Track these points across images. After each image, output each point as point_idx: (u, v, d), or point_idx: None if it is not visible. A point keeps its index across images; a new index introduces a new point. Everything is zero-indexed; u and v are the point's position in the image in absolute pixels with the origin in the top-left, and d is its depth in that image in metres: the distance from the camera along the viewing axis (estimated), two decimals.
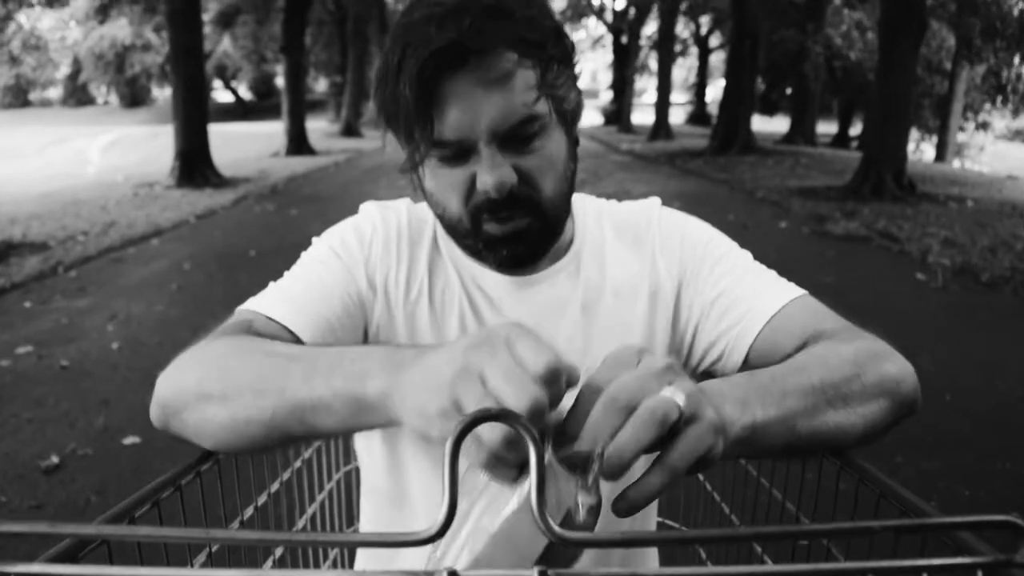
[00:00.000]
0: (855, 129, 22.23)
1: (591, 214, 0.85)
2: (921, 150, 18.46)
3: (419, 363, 0.48)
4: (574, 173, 0.75)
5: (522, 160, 0.68)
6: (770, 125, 24.19)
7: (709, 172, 12.49)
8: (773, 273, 0.79)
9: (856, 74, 18.84)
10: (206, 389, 0.59)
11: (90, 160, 16.61)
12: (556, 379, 0.43)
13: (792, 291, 0.75)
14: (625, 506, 0.44)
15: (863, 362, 0.62)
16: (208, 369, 0.60)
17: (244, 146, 17.28)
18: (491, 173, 0.66)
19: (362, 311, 0.77)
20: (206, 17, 20.64)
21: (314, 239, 0.81)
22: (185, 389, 0.60)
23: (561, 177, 0.72)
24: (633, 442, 0.42)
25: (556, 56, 0.68)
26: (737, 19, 15.52)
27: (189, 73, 10.70)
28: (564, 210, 0.75)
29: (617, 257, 0.81)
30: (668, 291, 0.80)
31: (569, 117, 0.73)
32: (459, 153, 0.68)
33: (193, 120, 10.82)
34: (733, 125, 15.74)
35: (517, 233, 0.71)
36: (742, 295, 0.75)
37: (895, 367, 0.63)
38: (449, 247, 0.80)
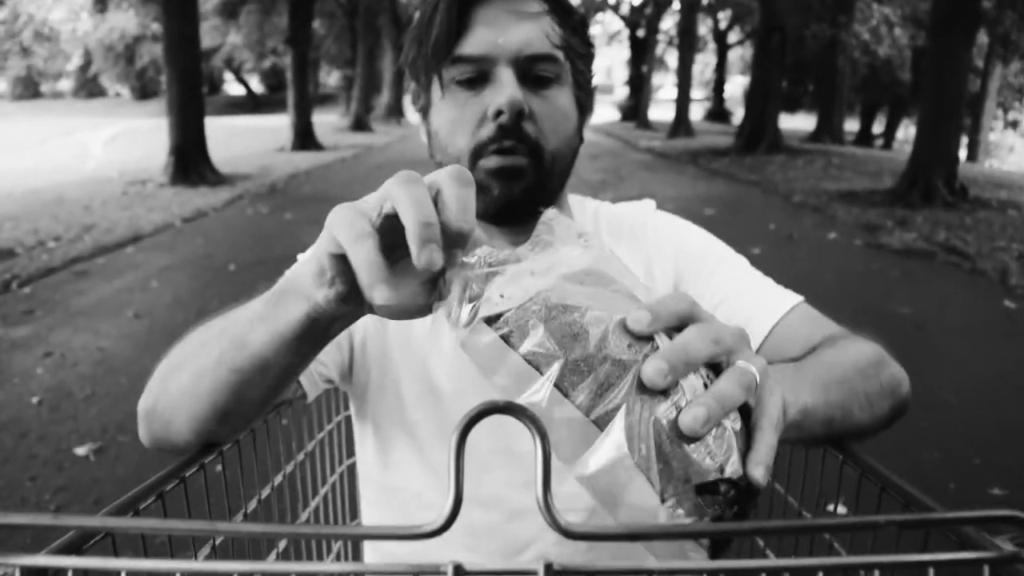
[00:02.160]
0: (878, 127, 21.51)
1: (588, 215, 0.85)
2: None
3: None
4: (576, 149, 0.76)
5: (534, 100, 0.69)
6: (792, 123, 23.33)
7: (737, 173, 11.71)
8: (770, 280, 0.79)
9: (883, 71, 18.05)
10: (167, 369, 0.62)
11: (91, 154, 16.16)
12: (413, 180, 0.42)
13: (791, 298, 0.76)
14: (762, 473, 0.40)
15: (878, 364, 0.66)
16: (168, 358, 0.64)
17: (251, 141, 16.71)
18: (506, 91, 0.67)
19: (346, 341, 0.78)
20: (209, 6, 20.10)
21: (299, 256, 0.76)
22: (154, 387, 0.63)
23: (565, 138, 0.72)
24: (729, 395, 0.39)
25: (579, 32, 0.73)
26: (765, 11, 14.70)
27: (185, 64, 10.07)
28: (561, 173, 0.74)
29: None
30: (663, 292, 0.76)
31: (583, 94, 0.75)
32: (477, 76, 0.69)
33: (189, 113, 10.18)
34: (759, 123, 14.94)
35: (514, 169, 0.69)
36: (744, 302, 0.75)
37: (897, 370, 0.68)
38: None
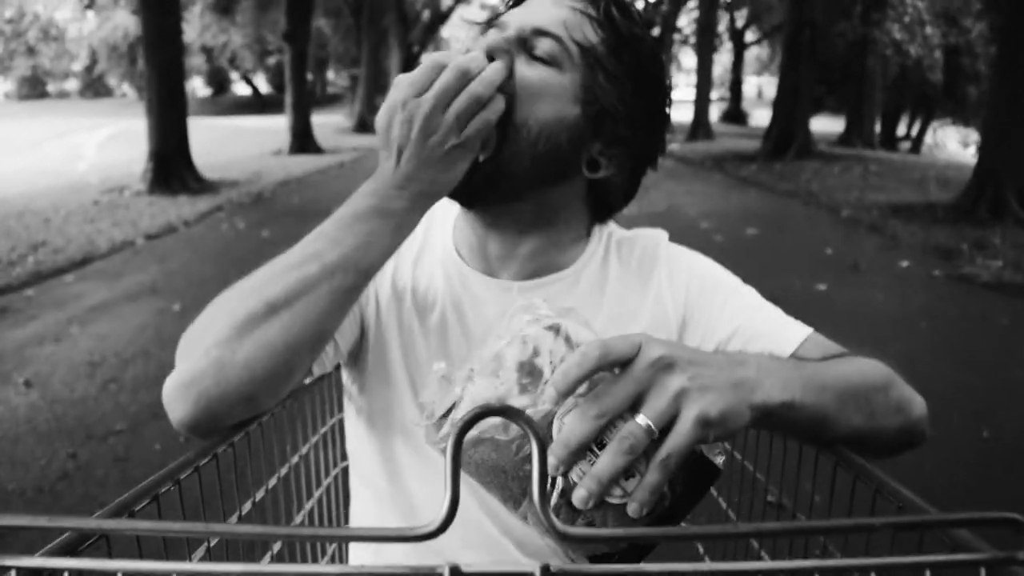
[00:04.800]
0: (901, 129, 20.50)
1: (604, 237, 0.84)
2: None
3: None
4: (563, 155, 0.71)
5: (524, 65, 0.68)
6: (815, 124, 22.25)
7: (768, 181, 10.70)
8: (780, 310, 0.79)
9: (913, 72, 17.01)
10: (244, 317, 0.60)
11: (84, 156, 15.45)
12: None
13: (804, 329, 0.76)
14: (637, 507, 0.48)
15: (888, 379, 0.66)
16: (232, 309, 0.61)
17: (250, 142, 15.95)
18: (487, 38, 0.69)
19: (359, 305, 0.79)
20: (204, 4, 19.30)
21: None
22: (216, 344, 0.60)
23: (540, 120, 0.69)
24: (608, 470, 0.47)
25: (621, 56, 0.71)
26: (795, 4, 13.67)
27: (164, 61, 9.17)
28: (527, 159, 0.69)
29: (618, 284, 0.81)
30: (672, 326, 0.79)
31: (596, 114, 0.71)
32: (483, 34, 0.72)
33: (169, 115, 9.29)
34: (788, 126, 13.92)
35: None
36: (758, 332, 0.75)
37: (910, 391, 0.67)
38: (444, 242, 0.82)
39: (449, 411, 0.51)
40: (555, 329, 0.51)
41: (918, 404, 0.67)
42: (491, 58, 0.66)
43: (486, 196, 0.71)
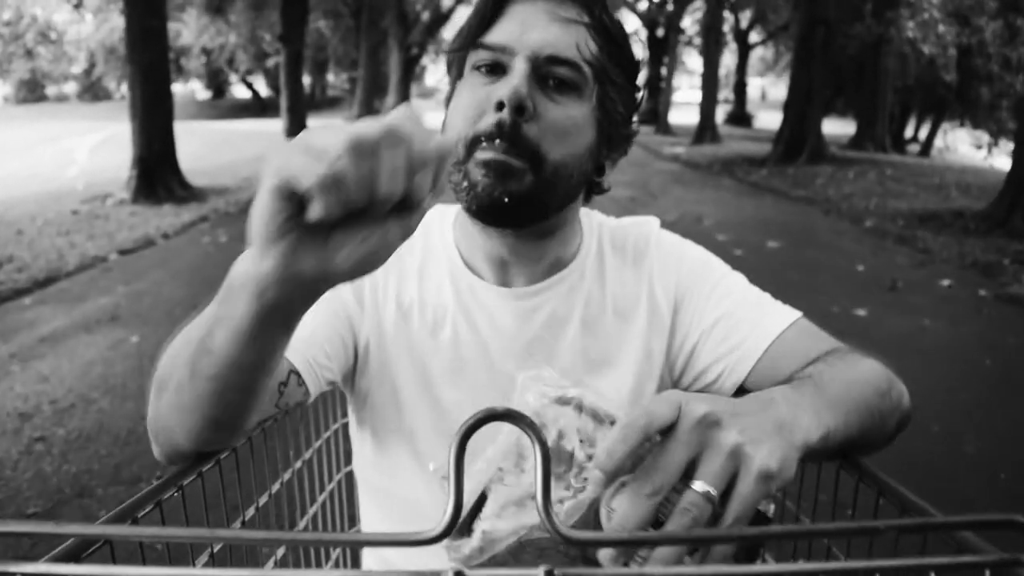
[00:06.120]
0: (908, 130, 20.11)
1: (594, 229, 0.85)
2: (992, 155, 16.06)
3: None
4: (587, 173, 0.74)
5: (544, 102, 0.67)
6: (823, 127, 21.80)
7: (782, 186, 10.24)
8: (768, 296, 0.79)
9: (925, 72, 16.57)
10: (157, 384, 0.60)
11: (76, 161, 15.07)
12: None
13: (790, 314, 0.76)
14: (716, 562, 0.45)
15: (888, 381, 0.66)
16: (158, 371, 0.61)
17: (246, 146, 15.50)
18: (511, 82, 0.65)
19: (351, 330, 0.78)
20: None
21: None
22: (152, 404, 0.61)
23: (572, 153, 0.70)
24: (675, 554, 0.43)
25: (618, 60, 0.71)
26: (806, 4, 13.23)
27: (149, 61, 8.73)
28: (565, 192, 0.72)
29: (616, 274, 0.82)
30: (664, 311, 0.80)
31: (609, 123, 0.73)
32: (495, 65, 0.69)
33: (154, 119, 8.86)
34: (799, 128, 13.47)
35: (505, 166, 0.66)
36: (743, 318, 0.76)
37: (901, 386, 0.68)
38: (449, 253, 0.81)
39: (471, 521, 0.47)
40: (575, 404, 0.48)
41: (906, 394, 0.68)
42: (519, 109, 0.65)
43: (519, 222, 0.70)
